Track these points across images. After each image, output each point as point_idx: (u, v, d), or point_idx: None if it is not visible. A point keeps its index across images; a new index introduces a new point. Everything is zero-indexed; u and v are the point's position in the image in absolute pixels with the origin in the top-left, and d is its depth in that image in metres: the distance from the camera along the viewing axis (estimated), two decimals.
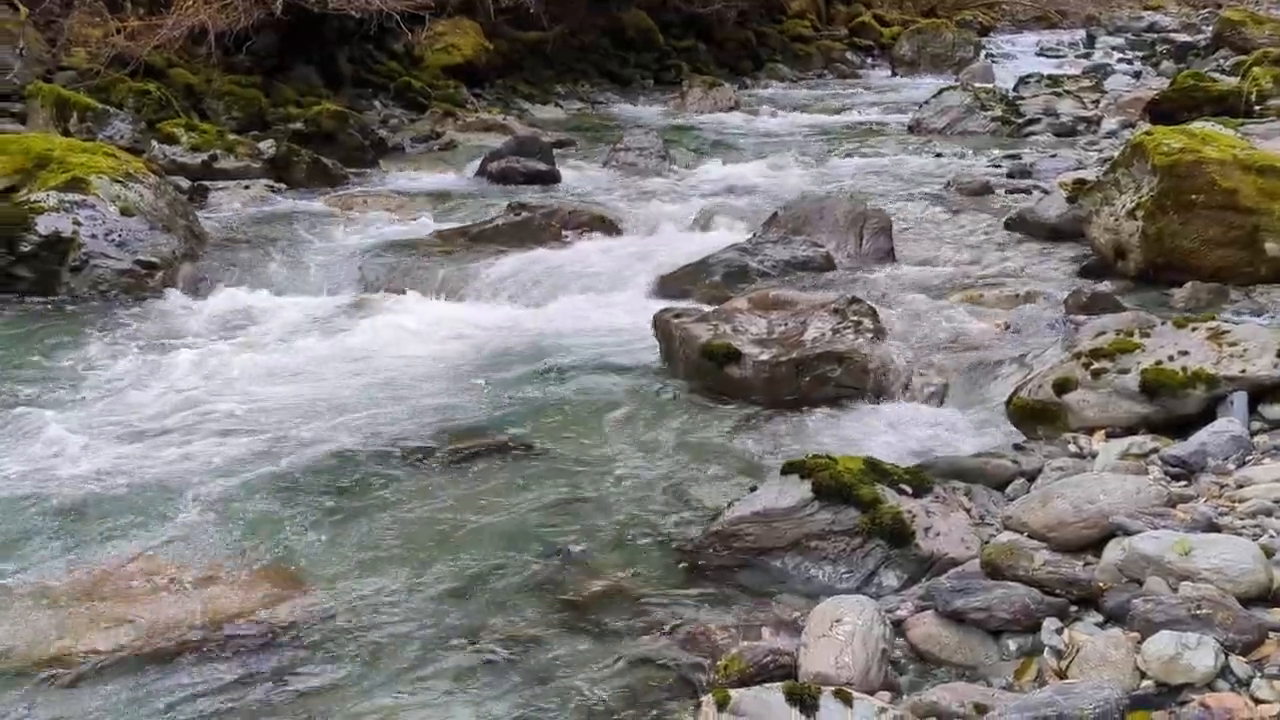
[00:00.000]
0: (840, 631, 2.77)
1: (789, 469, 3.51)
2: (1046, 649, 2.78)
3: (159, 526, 3.86)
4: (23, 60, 10.51)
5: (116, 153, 7.58)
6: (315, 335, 5.95)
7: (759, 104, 15.02)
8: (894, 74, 19.31)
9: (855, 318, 5.08)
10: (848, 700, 2.44)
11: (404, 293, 6.60)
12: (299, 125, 10.75)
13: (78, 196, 6.80)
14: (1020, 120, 12.26)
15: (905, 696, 2.74)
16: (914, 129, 12.38)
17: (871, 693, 2.63)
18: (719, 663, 2.89)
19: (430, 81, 13.78)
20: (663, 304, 5.92)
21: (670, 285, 6.43)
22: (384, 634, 3.26)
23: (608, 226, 7.64)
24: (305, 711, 2.93)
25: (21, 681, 3.03)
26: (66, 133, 8.99)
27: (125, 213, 6.83)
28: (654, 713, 2.88)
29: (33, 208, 6.69)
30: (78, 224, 6.67)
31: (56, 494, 4.06)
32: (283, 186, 9.22)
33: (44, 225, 6.63)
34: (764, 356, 4.88)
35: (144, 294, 6.53)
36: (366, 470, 4.31)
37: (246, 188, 9.05)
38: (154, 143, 9.35)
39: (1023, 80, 14.89)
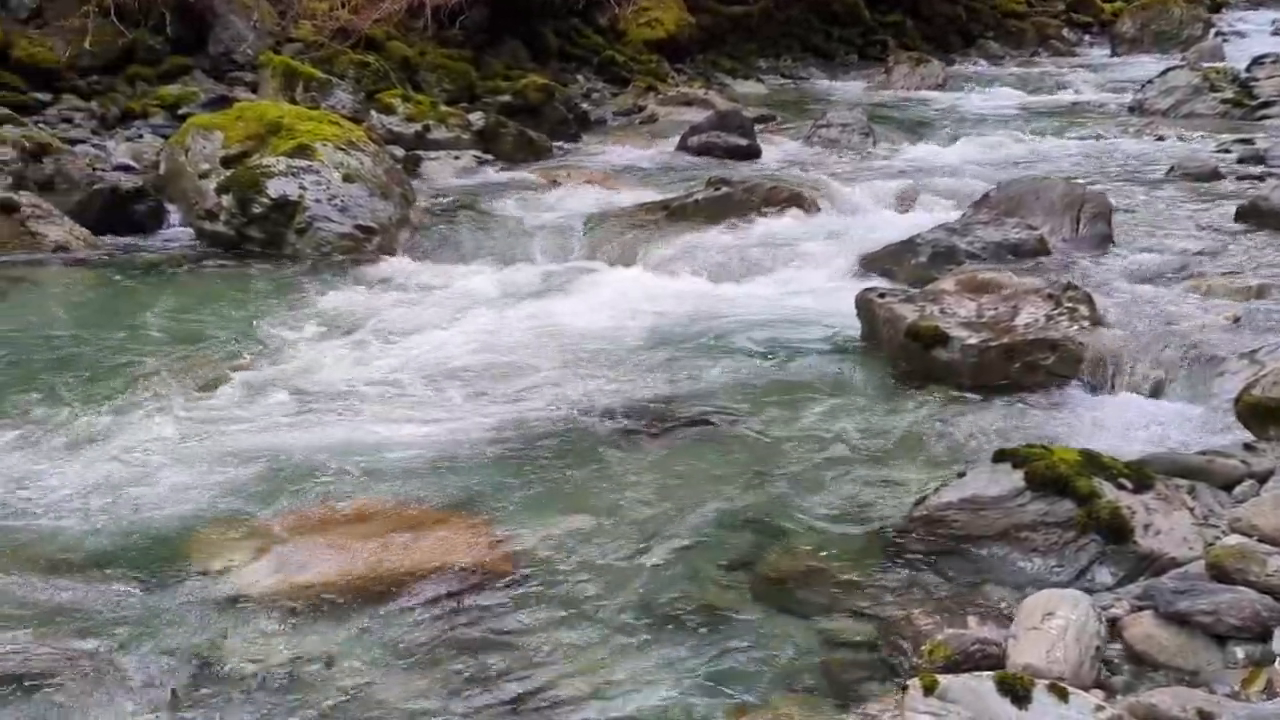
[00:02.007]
0: (1052, 625, 2.68)
1: (1000, 457, 3.42)
2: (1278, 659, 2.63)
3: (376, 474, 4.04)
4: (256, 32, 11.14)
5: (340, 121, 7.95)
6: (518, 302, 6.11)
7: (968, 81, 14.57)
8: (1114, 53, 18.38)
9: (1071, 304, 4.89)
10: (1062, 695, 2.37)
11: (605, 264, 6.71)
12: (506, 98, 11.03)
13: (304, 162, 7.16)
14: (1253, 103, 11.49)
15: (1120, 697, 2.64)
16: (1135, 110, 11.77)
17: (1084, 690, 2.54)
18: (923, 648, 2.84)
19: (633, 55, 13.91)
20: (864, 283, 5.83)
21: (873, 264, 6.32)
22: (581, 594, 3.33)
23: (808, 203, 7.55)
24: (502, 658, 3.03)
25: (257, 609, 3.24)
26: (293, 101, 9.47)
27: (347, 179, 7.15)
28: (852, 692, 2.86)
29: (264, 172, 7.09)
30: (304, 188, 7.02)
31: (287, 440, 4.30)
32: (490, 158, 9.47)
33: (274, 189, 7.01)
34: (972, 340, 4.75)
35: (361, 257, 6.82)
36: (567, 436, 4.40)
37: (456, 158, 9.34)
38: (372, 112, 9.76)
39: (1257, 60, 13.91)
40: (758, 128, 10.31)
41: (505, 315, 5.89)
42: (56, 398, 4.65)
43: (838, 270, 6.37)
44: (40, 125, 8.80)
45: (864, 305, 5.26)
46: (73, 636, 3.09)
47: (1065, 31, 19.98)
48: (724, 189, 7.57)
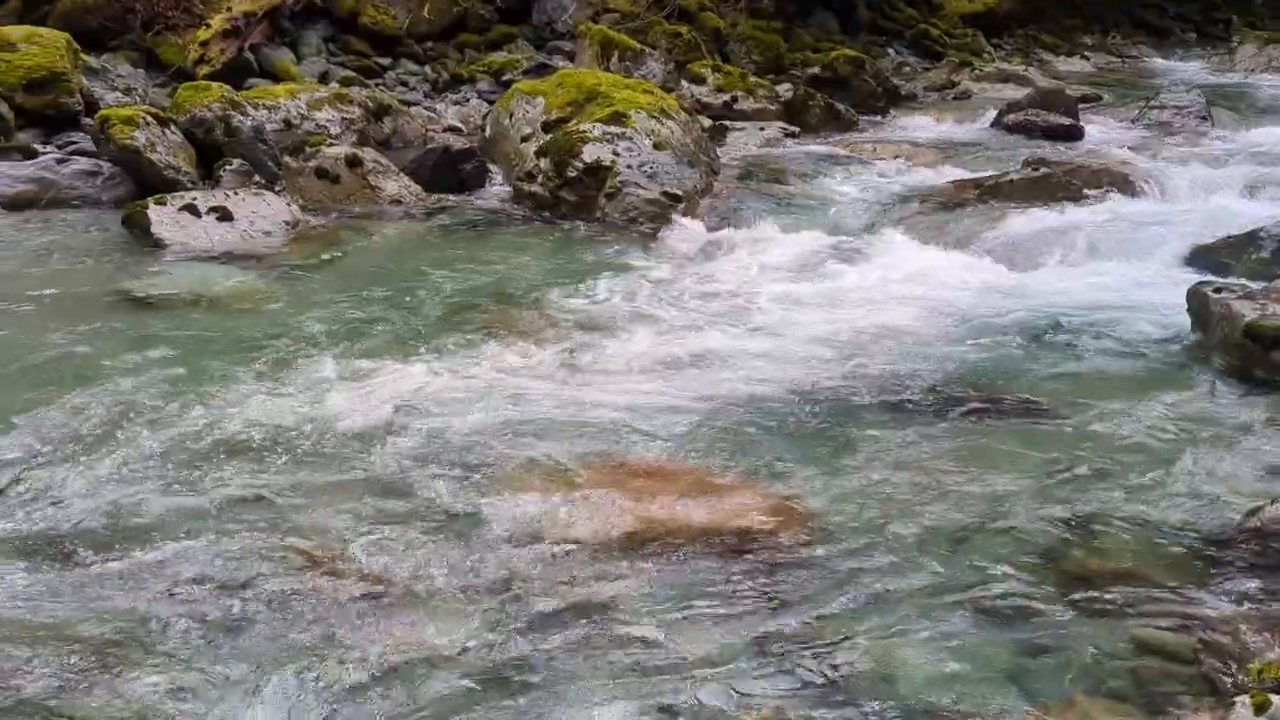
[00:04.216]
0: None
1: None
2: None
3: (671, 433, 4.12)
4: (576, 3, 11.58)
5: (653, 90, 8.14)
6: (814, 275, 6.07)
7: None
8: None
9: None
10: None
11: (913, 242, 6.55)
12: (815, 70, 10.97)
13: (618, 129, 7.38)
14: None
15: None
16: None
17: None
18: (1250, 665, 2.64)
19: (948, 29, 13.52)
20: (1196, 276, 5.46)
21: (1206, 257, 5.89)
22: (875, 570, 3.28)
23: (1135, 189, 7.10)
24: (791, 627, 3.02)
25: (558, 550, 3.38)
26: (608, 69, 9.78)
27: (657, 147, 7.32)
28: (1164, 703, 2.70)
29: (580, 137, 7.36)
30: (616, 154, 7.24)
31: (589, 397, 4.45)
32: (795, 130, 9.46)
33: (588, 154, 7.27)
34: None
35: (665, 223, 6.96)
36: (865, 410, 4.35)
37: (761, 129, 9.38)
38: (682, 82, 9.95)
39: None
40: (1081, 107, 9.78)
41: (800, 287, 5.88)
42: (390, 336, 5.02)
43: (1166, 260, 5.99)
44: (381, 87, 9.52)
45: (1196, 299, 4.91)
46: (379, 564, 3.30)
47: None
48: (1043, 169, 7.25)
